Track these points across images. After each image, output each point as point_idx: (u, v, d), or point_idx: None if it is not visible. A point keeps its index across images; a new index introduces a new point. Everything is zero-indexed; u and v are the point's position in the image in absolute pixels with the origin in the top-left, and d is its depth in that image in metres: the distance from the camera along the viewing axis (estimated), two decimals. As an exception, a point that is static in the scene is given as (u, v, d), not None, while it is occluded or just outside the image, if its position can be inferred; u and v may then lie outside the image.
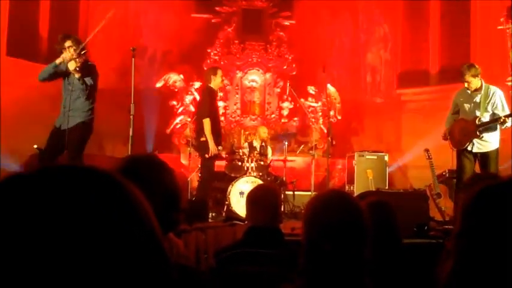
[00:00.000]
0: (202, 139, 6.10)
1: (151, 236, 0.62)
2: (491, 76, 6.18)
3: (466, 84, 5.60)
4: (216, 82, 6.39)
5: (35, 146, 5.16)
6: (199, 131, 6.25)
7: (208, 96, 6.31)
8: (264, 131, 7.99)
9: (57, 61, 5.07)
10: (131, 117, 5.08)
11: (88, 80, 5.10)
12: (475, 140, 5.54)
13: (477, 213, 0.81)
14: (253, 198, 2.64)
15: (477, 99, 5.59)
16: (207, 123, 6.05)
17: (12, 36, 7.68)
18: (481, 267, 0.78)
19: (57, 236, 0.54)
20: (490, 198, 0.81)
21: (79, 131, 5.11)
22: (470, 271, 0.79)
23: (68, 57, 4.99)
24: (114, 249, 0.57)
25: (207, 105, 6.22)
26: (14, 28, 7.74)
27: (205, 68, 9.10)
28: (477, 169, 5.62)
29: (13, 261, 0.53)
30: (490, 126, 5.48)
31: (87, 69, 5.16)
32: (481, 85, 5.57)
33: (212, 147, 6.00)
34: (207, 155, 6.06)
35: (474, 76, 5.53)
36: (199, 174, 6.45)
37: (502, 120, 5.38)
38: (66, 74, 5.12)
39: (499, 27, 7.43)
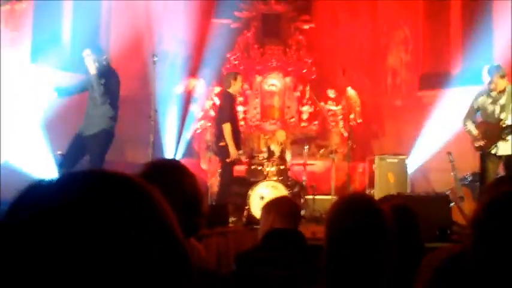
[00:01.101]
0: (222, 144, 6.12)
1: (174, 241, 0.62)
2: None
3: (491, 86, 5.50)
4: (235, 87, 6.42)
5: (59, 152, 5.24)
6: (219, 135, 6.28)
7: (228, 101, 6.34)
8: (281, 135, 7.96)
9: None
10: (152, 123, 5.13)
11: (104, 82, 5.11)
12: (500, 143, 5.45)
13: (488, 221, 0.79)
14: (269, 206, 2.68)
15: (501, 101, 5.49)
16: (227, 128, 6.07)
17: (35, 44, 7.81)
18: (492, 274, 0.77)
19: (79, 242, 0.54)
20: (502, 205, 0.79)
21: (100, 138, 5.15)
22: (482, 276, 0.78)
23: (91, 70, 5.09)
24: (137, 253, 0.57)
25: (227, 110, 6.25)
26: (37, 35, 7.87)
27: (224, 73, 9.14)
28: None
29: (36, 265, 0.53)
30: None
31: (107, 73, 5.20)
32: (506, 87, 5.48)
33: (233, 152, 6.01)
34: (227, 160, 6.08)
35: (502, 77, 5.44)
36: (219, 179, 6.47)
37: None
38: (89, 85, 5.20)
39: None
